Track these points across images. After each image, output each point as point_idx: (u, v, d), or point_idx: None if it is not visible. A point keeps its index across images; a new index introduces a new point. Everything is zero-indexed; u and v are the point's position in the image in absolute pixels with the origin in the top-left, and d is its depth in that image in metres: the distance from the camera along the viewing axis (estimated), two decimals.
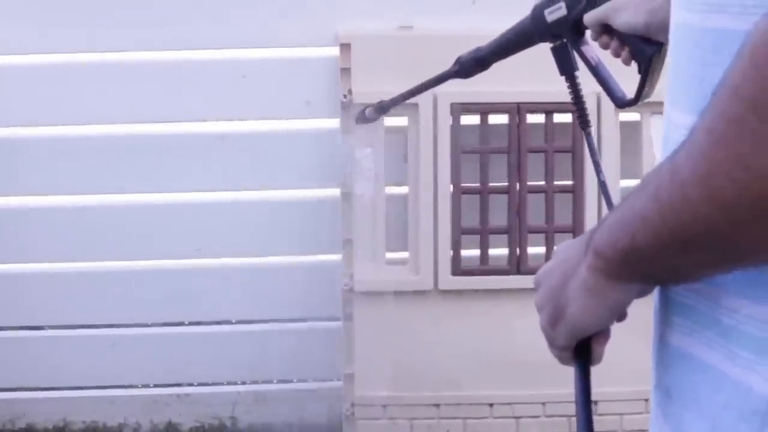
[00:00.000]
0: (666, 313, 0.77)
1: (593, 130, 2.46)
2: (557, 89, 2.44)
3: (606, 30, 1.56)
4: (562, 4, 1.60)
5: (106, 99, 2.55)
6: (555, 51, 1.66)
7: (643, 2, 1.50)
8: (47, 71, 2.54)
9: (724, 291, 0.70)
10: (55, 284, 2.69)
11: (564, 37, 1.66)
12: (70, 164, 2.59)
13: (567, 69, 1.74)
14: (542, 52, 2.46)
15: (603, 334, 0.83)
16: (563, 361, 0.86)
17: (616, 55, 1.60)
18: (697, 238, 0.63)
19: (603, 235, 0.73)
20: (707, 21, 0.70)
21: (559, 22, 1.59)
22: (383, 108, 1.96)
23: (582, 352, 0.84)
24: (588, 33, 1.66)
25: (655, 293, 0.80)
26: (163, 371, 2.76)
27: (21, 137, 2.62)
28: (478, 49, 1.81)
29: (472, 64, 1.79)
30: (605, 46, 1.59)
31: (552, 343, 0.85)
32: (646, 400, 2.69)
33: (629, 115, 2.52)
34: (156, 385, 2.79)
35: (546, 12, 1.59)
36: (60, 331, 2.75)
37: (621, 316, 0.88)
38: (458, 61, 1.79)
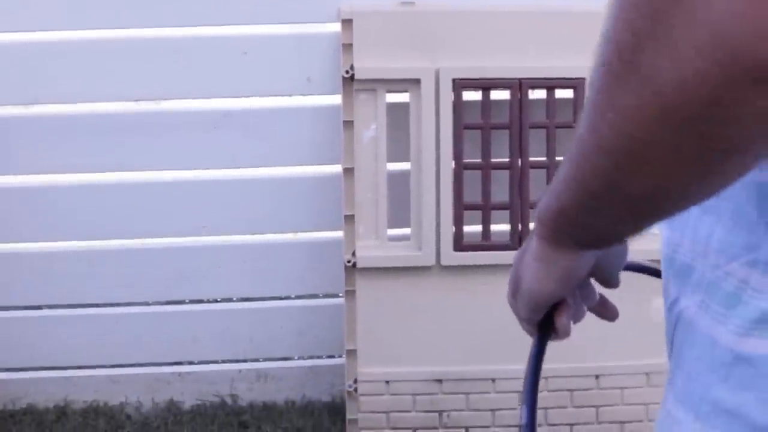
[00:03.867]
0: (679, 277, 0.78)
1: None
2: (559, 65, 2.46)
3: None
4: None
5: (106, 77, 2.53)
6: None
7: None
8: (46, 49, 2.52)
9: (712, 247, 0.72)
10: (56, 263, 2.68)
11: None
12: (70, 142, 2.58)
13: None
14: (543, 27, 2.47)
15: (563, 306, 0.85)
16: (530, 334, 0.89)
17: None
18: (600, 191, 0.64)
19: (542, 202, 0.75)
20: None
21: None
22: None
23: (544, 325, 0.87)
24: None
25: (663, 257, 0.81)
26: (165, 349, 2.77)
27: (22, 115, 2.60)
28: None
29: None
30: None
31: (517, 316, 0.89)
32: (647, 373, 2.71)
33: None
34: (157, 364, 2.79)
35: None
36: (61, 311, 2.75)
37: (588, 296, 0.91)
38: None
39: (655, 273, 0.95)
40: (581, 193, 0.67)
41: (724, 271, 0.70)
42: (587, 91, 0.62)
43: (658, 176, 0.59)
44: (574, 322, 0.89)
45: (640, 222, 0.68)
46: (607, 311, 0.96)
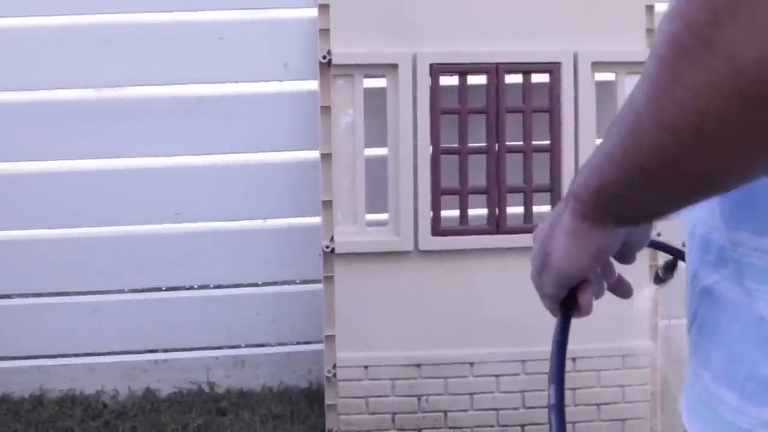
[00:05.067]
0: (698, 251, 0.78)
1: (571, 89, 2.49)
2: (535, 49, 2.47)
3: None
4: None
5: (82, 63, 2.51)
6: None
7: None
8: (22, 35, 2.50)
9: (730, 226, 0.72)
10: (30, 252, 2.66)
11: None
12: (45, 129, 2.56)
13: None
14: (519, 12, 2.47)
15: (585, 283, 0.85)
16: (552, 311, 0.88)
17: None
18: (654, 166, 0.63)
19: (578, 178, 0.75)
20: None
21: None
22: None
23: (567, 303, 0.87)
24: None
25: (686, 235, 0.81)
26: (141, 337, 2.75)
27: None
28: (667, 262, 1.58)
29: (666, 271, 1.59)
30: None
31: (540, 292, 0.88)
32: (623, 356, 2.72)
33: (605, 75, 2.54)
34: (133, 352, 2.78)
35: None
36: (35, 299, 2.72)
37: (608, 273, 0.93)
38: (655, 277, 1.59)
39: (679, 254, 0.95)
40: (631, 168, 0.66)
41: (749, 248, 0.70)
42: (648, 65, 0.61)
43: (721, 154, 0.58)
44: (596, 299, 0.89)
45: (689, 198, 0.67)
46: (623, 288, 0.96)
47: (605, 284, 0.93)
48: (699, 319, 0.78)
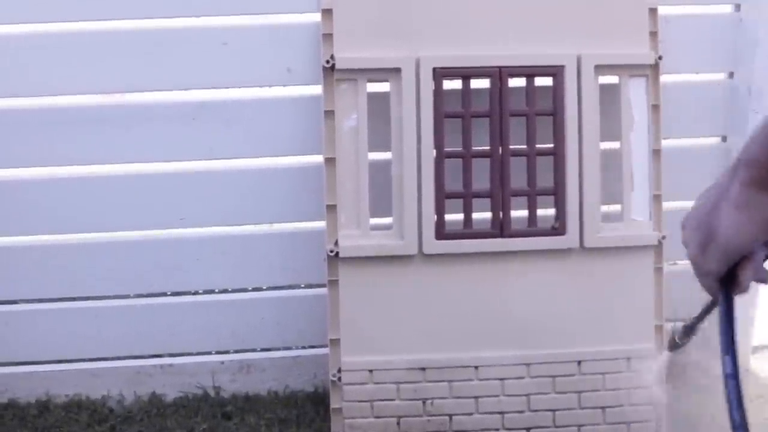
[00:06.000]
0: None
1: (575, 92, 2.49)
2: (538, 52, 2.47)
3: None
4: None
5: (84, 68, 2.52)
6: None
7: None
8: (24, 41, 2.50)
9: None
10: (35, 257, 2.66)
11: None
12: (47, 135, 2.56)
13: None
14: (523, 16, 2.48)
15: (746, 260, 0.85)
16: (711, 290, 0.89)
17: None
18: None
19: (754, 146, 0.76)
20: None
21: None
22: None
23: (727, 281, 0.87)
24: None
25: None
26: (146, 342, 2.76)
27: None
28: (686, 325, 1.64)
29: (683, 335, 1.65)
30: None
31: (701, 271, 0.88)
32: (628, 358, 2.71)
33: (608, 78, 2.54)
34: (139, 357, 2.78)
35: None
36: (41, 305, 2.73)
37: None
38: (670, 342, 1.66)
39: None
40: None
41: None
42: None
43: None
44: (755, 280, 0.89)
45: None
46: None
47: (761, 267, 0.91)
48: None
